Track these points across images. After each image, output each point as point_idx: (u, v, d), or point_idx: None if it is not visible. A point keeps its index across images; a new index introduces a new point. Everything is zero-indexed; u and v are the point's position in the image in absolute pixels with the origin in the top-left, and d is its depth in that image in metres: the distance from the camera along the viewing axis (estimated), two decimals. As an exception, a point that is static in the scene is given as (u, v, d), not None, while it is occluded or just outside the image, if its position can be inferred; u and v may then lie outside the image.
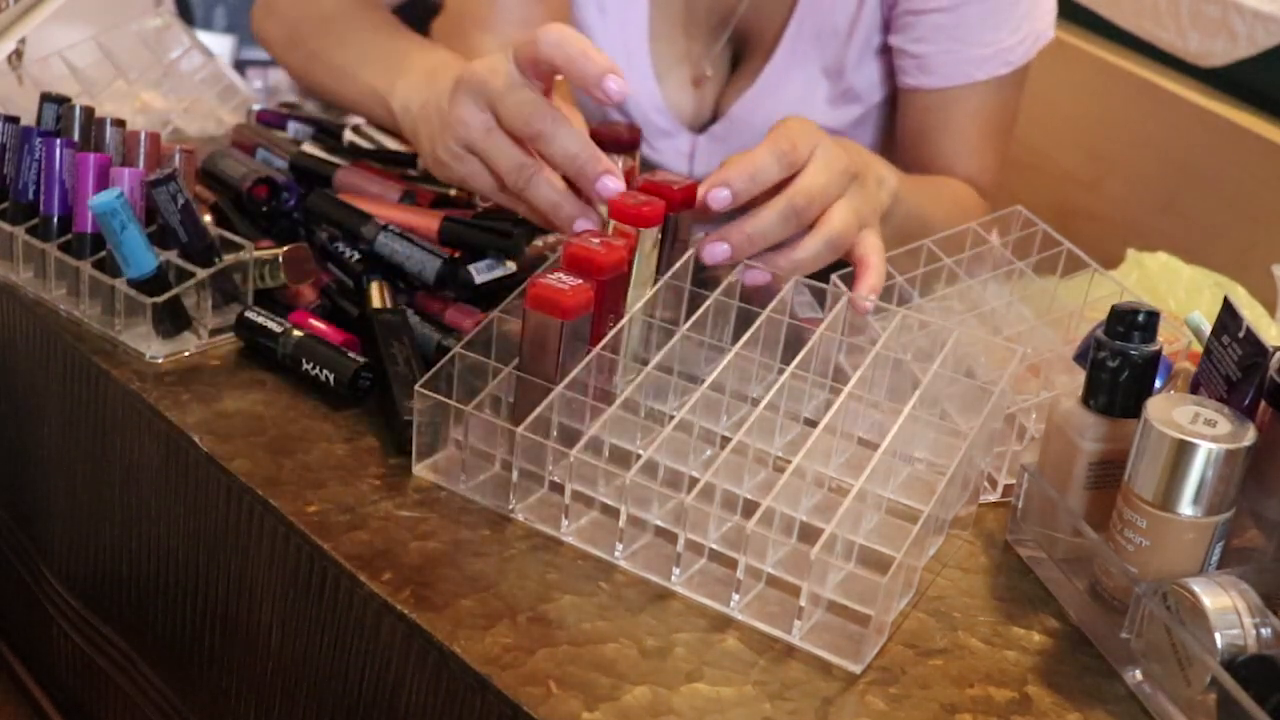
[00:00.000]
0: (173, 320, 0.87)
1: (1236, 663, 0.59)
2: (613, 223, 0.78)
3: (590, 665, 0.63)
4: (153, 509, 0.84)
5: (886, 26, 1.13)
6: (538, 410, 0.71)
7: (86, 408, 0.88)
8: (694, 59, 1.18)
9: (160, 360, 0.86)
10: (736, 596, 0.67)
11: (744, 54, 1.19)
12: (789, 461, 0.70)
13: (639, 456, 0.70)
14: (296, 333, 0.85)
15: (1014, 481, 0.77)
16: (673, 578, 0.68)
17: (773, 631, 0.66)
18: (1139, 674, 0.65)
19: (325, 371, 0.82)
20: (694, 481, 0.69)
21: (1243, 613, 0.60)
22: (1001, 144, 1.16)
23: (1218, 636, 0.59)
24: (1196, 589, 0.61)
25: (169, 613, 0.86)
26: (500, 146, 0.79)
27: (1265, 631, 0.60)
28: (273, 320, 0.86)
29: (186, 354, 0.87)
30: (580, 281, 0.72)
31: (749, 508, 0.68)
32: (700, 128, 1.20)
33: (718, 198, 0.78)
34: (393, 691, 0.68)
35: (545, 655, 0.63)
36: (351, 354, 0.83)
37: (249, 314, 0.87)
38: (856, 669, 0.64)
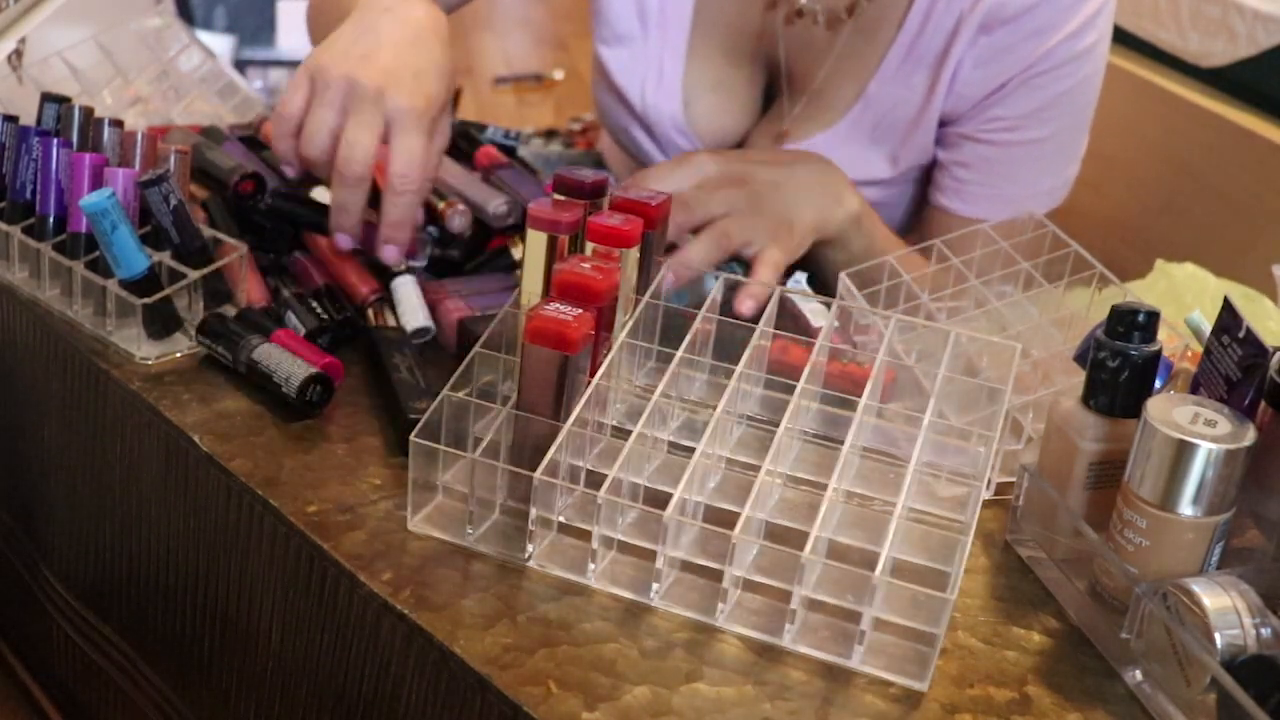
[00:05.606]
0: (163, 321, 0.87)
1: (1236, 663, 0.59)
2: (592, 245, 0.75)
3: (590, 665, 0.63)
4: (153, 509, 0.84)
5: (938, 140, 1.14)
6: (550, 454, 0.67)
7: (86, 408, 0.88)
8: (730, 86, 1.16)
9: (150, 362, 0.85)
10: (790, 627, 0.65)
11: (778, 91, 1.16)
12: (804, 480, 0.69)
13: (656, 490, 0.69)
14: (256, 342, 0.83)
15: (1009, 479, 0.77)
16: (717, 616, 0.66)
17: (828, 658, 0.64)
18: (1139, 674, 0.64)
19: (278, 381, 0.81)
20: (711, 511, 0.69)
21: (1242, 613, 0.60)
22: None
23: (1218, 636, 0.59)
24: (1196, 589, 0.61)
25: (169, 613, 0.86)
26: (366, 137, 0.85)
27: (1265, 631, 0.60)
28: (230, 334, 0.84)
29: (178, 354, 0.86)
30: (581, 310, 0.69)
31: (775, 532, 0.68)
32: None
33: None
34: (393, 691, 0.68)
35: (545, 655, 0.63)
36: (304, 362, 0.81)
37: (209, 322, 0.85)
38: (923, 687, 0.63)
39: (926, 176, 1.17)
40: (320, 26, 1.08)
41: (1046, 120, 1.09)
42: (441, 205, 0.98)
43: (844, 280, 0.90)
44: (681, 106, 1.15)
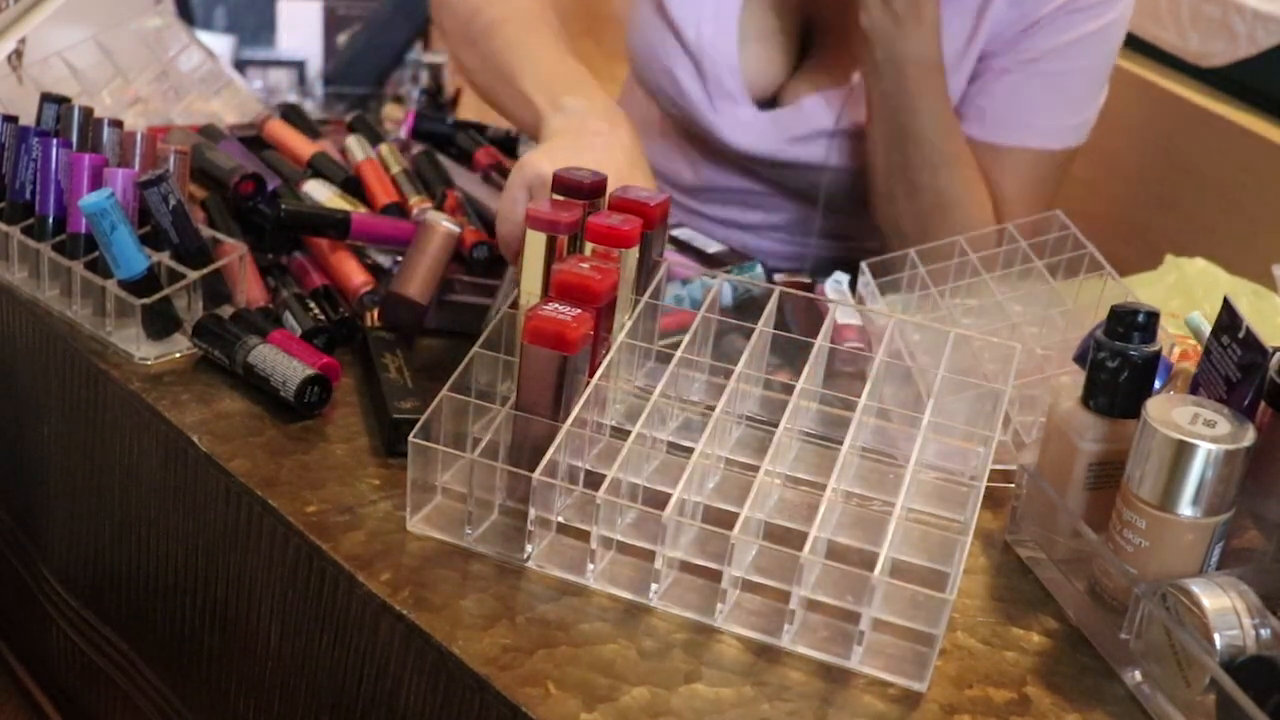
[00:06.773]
0: (162, 322, 0.87)
1: (1236, 664, 0.58)
2: (591, 245, 0.75)
3: (589, 666, 0.63)
4: (152, 509, 0.84)
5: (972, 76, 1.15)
6: (549, 454, 0.67)
7: (86, 408, 0.88)
8: (773, 36, 1.18)
9: (149, 362, 0.85)
10: (788, 627, 0.65)
11: (816, 43, 1.19)
12: (803, 480, 0.68)
13: (655, 490, 0.69)
14: (254, 344, 0.82)
15: (1000, 466, 0.77)
16: (716, 616, 0.66)
17: (827, 659, 0.64)
18: (1138, 675, 0.64)
19: (275, 384, 0.80)
20: (710, 511, 0.68)
21: (1242, 613, 0.60)
22: (1030, 210, 1.14)
23: (1217, 637, 0.59)
24: (1196, 590, 0.61)
25: (169, 613, 0.86)
26: None
27: (1264, 632, 0.59)
28: (226, 336, 0.84)
29: (177, 355, 0.86)
30: (580, 311, 0.69)
31: (774, 532, 0.68)
32: (763, 104, 1.19)
33: None
34: (392, 691, 0.68)
35: (544, 656, 0.63)
36: (301, 364, 0.81)
37: (205, 323, 0.85)
38: (921, 687, 0.63)
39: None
40: (481, 86, 1.02)
41: (1070, 56, 1.11)
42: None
43: (863, 269, 0.91)
44: (737, 47, 1.16)
